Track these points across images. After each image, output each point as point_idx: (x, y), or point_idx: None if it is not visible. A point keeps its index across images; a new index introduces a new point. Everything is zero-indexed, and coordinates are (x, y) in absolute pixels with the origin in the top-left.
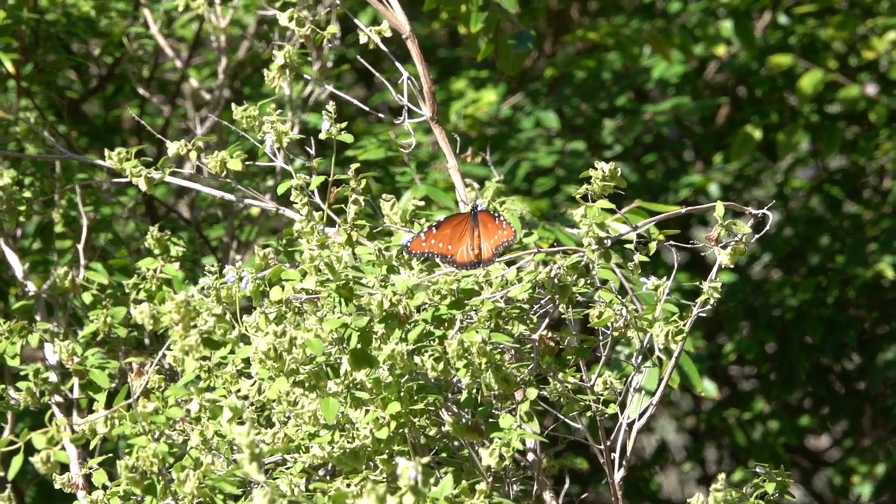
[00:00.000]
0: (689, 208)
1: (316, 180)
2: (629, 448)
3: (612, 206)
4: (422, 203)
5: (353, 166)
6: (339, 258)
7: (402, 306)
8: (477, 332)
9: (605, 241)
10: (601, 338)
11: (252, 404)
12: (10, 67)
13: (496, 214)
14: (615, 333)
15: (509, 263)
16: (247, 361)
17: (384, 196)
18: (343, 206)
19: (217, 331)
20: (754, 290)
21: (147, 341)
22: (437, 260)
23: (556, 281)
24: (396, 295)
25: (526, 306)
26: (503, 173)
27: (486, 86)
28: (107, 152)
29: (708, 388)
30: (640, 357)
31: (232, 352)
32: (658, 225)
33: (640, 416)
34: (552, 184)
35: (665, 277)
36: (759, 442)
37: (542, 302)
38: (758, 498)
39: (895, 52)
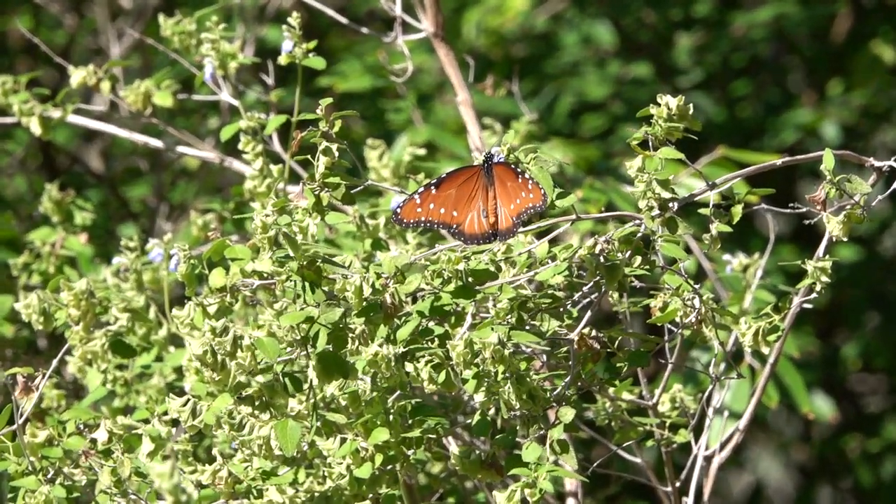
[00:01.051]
0: (792, 158)
1: (274, 121)
2: (707, 490)
3: (681, 155)
4: (422, 151)
5: (325, 101)
6: (304, 228)
7: (389, 294)
8: (493, 329)
9: (672, 205)
10: (667, 339)
11: (185, 431)
12: None
13: (518, 169)
14: (686, 333)
15: (540, 235)
16: (180, 371)
17: (370, 142)
18: (311, 156)
19: (136, 330)
20: (885, 271)
21: (43, 343)
22: (440, 230)
23: (603, 259)
24: (381, 278)
25: (561, 294)
26: (537, 109)
27: None
28: None
29: (820, 407)
30: (723, 365)
31: (159, 358)
32: (749, 181)
33: (723, 446)
34: (605, 124)
35: (758, 254)
36: (891, 482)
37: (585, 289)
38: None
39: None
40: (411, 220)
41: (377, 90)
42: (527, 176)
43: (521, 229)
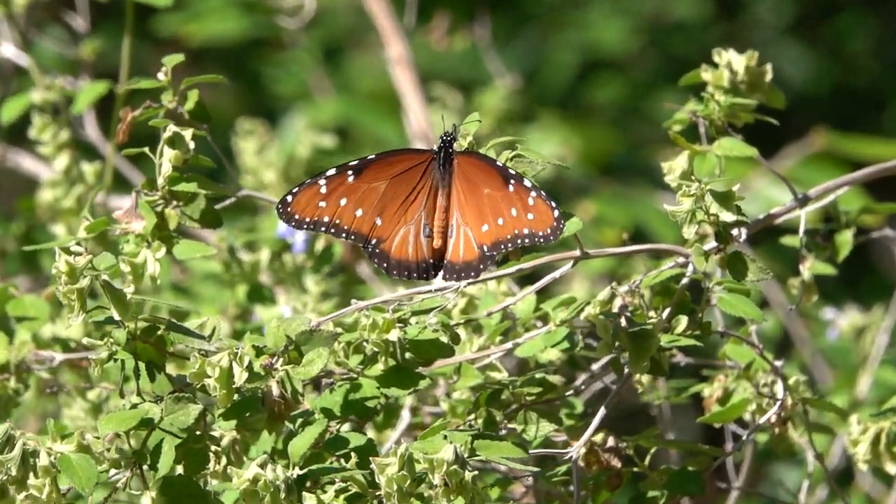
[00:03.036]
0: None
1: (88, 91)
2: None
3: (753, 151)
4: (329, 139)
5: (173, 58)
6: (138, 269)
7: (276, 381)
8: (446, 437)
9: (737, 232)
10: (731, 449)
11: None
12: None
13: (507, 169)
14: (762, 439)
15: (523, 281)
16: None
17: (244, 125)
18: (150, 150)
19: None
20: None
21: None
22: (349, 242)
23: (626, 322)
24: (264, 355)
25: (557, 379)
26: (517, 69)
27: None
28: None
29: None
30: (822, 491)
31: None
32: (866, 189)
33: None
34: (629, 93)
35: (881, 309)
36: None
37: (595, 369)
38: None
39: None
40: (306, 219)
41: (255, 41)
42: (526, 183)
43: (489, 272)
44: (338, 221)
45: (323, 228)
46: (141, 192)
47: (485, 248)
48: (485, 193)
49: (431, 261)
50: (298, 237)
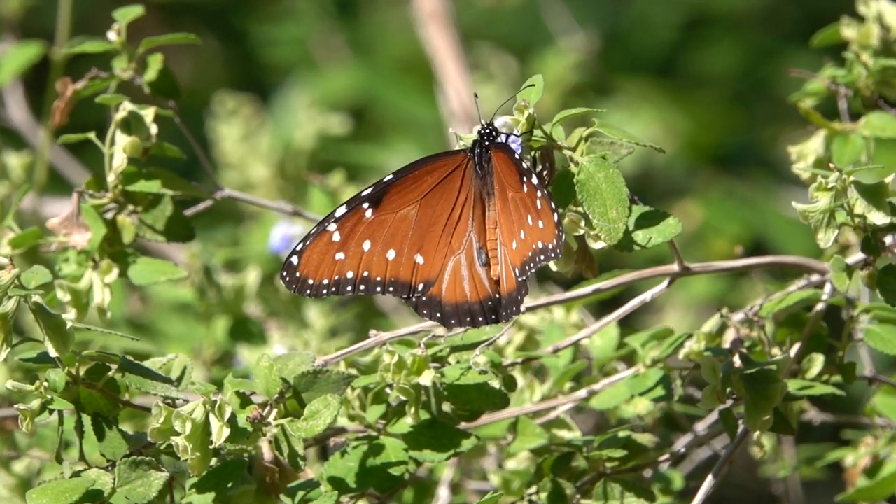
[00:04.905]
0: None
1: (14, 57)
2: None
3: None
4: (341, 122)
5: (127, 11)
6: (81, 296)
7: (268, 441)
8: None
9: (892, 240)
10: None
11: None
12: None
13: (520, 161)
14: None
15: (600, 310)
16: None
17: (225, 103)
18: (98, 136)
19: None
20: None
21: None
22: (384, 294)
23: (741, 362)
24: (252, 407)
25: (649, 440)
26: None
27: None
28: None
29: None
30: None
31: None
32: None
33: None
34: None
35: None
36: None
37: (699, 429)
38: None
39: None
40: (323, 281)
41: None
42: (534, 180)
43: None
44: (366, 274)
45: (349, 288)
46: (85, 194)
47: (516, 272)
48: (510, 198)
49: (497, 295)
50: None
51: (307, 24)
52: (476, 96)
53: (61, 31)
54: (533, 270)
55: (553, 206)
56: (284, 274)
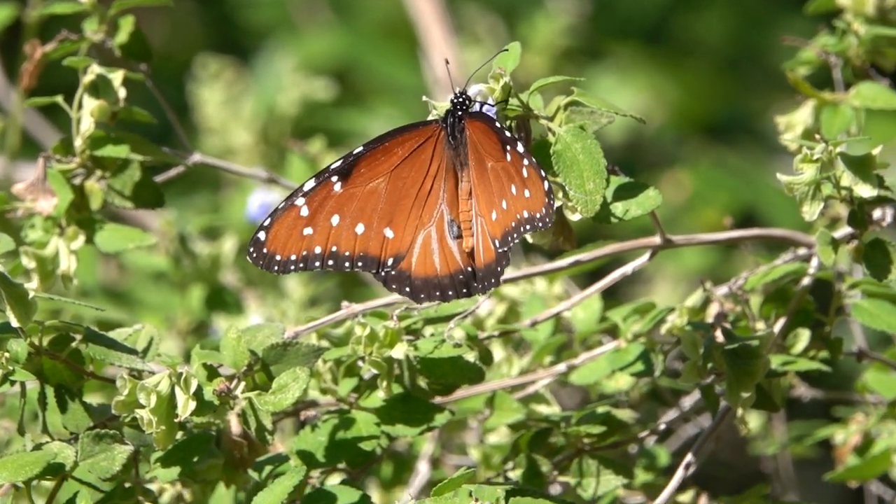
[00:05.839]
0: None
1: None
2: None
3: None
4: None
5: None
6: (46, 262)
7: (235, 414)
8: (471, 493)
9: (881, 213)
10: None
11: None
12: None
13: (502, 129)
14: None
15: (587, 282)
16: None
17: (208, 66)
18: (65, 99)
19: None
20: None
21: None
22: (354, 270)
23: (724, 337)
24: (219, 379)
25: (629, 415)
26: None
27: None
28: None
29: None
30: None
31: None
32: None
33: None
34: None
35: None
36: None
37: (683, 406)
38: None
39: None
40: (291, 257)
41: None
42: (519, 148)
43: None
44: (335, 248)
45: (318, 263)
46: (51, 159)
47: (496, 244)
48: (489, 168)
49: (469, 269)
50: None
51: None
52: (447, 62)
53: None
54: (516, 241)
55: (542, 173)
56: (251, 250)
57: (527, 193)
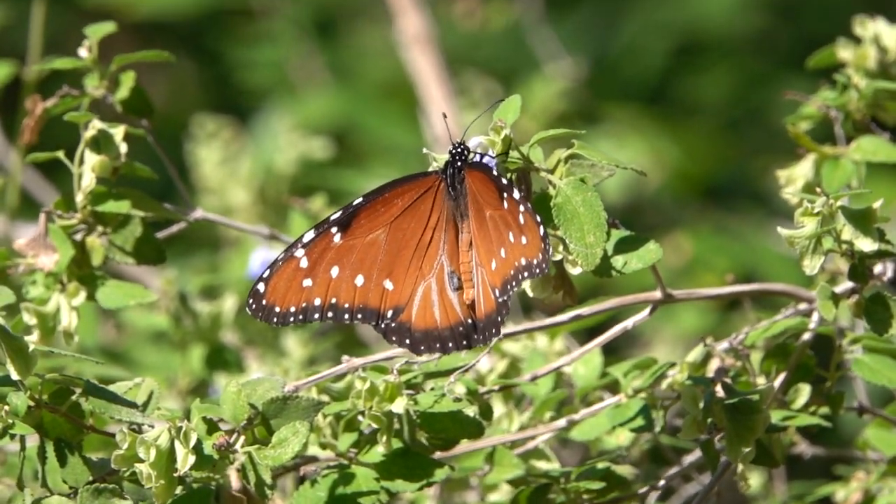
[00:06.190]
0: None
1: None
2: None
3: None
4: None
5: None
6: (47, 319)
7: (235, 469)
8: None
9: (881, 268)
10: None
11: None
12: None
13: (499, 177)
14: None
15: (587, 337)
16: None
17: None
18: (67, 155)
19: None
20: None
21: None
22: (354, 322)
23: (725, 392)
24: (219, 433)
25: (629, 472)
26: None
27: None
28: None
29: None
30: None
31: None
32: None
33: None
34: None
35: None
36: None
37: (684, 462)
38: None
39: None
40: (290, 308)
41: (217, 12)
42: (515, 194)
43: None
44: (334, 300)
45: (317, 315)
46: (53, 214)
47: (496, 293)
48: (488, 216)
49: (470, 320)
50: None
51: (285, 47)
52: (445, 116)
53: (33, 49)
54: (515, 289)
55: (538, 219)
56: (251, 302)
57: (524, 240)
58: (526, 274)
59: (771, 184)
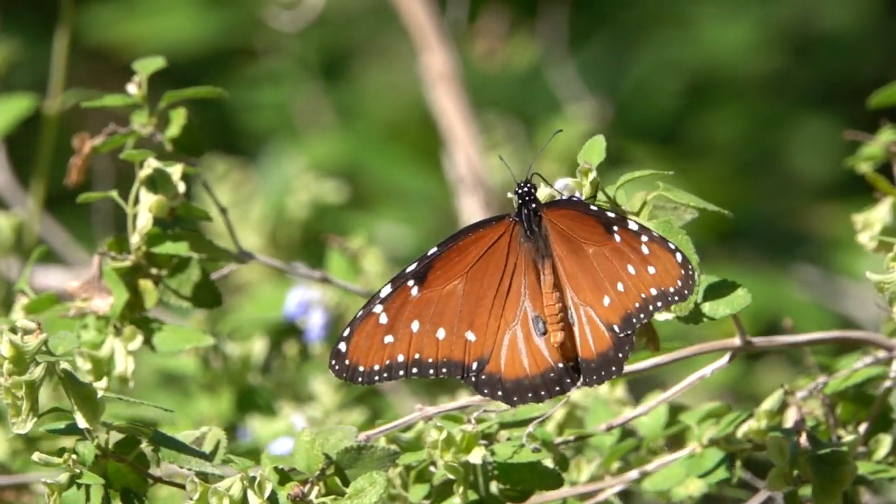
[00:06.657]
0: None
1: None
2: None
3: None
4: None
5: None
6: (101, 364)
7: None
8: None
9: None
10: None
11: None
12: None
13: (607, 214)
14: None
15: (638, 386)
16: None
17: (216, 167)
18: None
19: None
20: None
21: None
22: (438, 377)
23: (808, 443)
24: (292, 483)
25: None
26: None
27: None
28: None
29: None
30: None
31: None
32: None
33: None
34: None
35: None
36: None
37: None
38: None
39: None
40: (374, 367)
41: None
42: (631, 226)
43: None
44: (418, 356)
45: (402, 372)
46: (106, 256)
47: (616, 329)
48: (590, 253)
49: (561, 365)
50: (316, 316)
51: (288, 88)
52: (501, 158)
53: (54, 84)
54: (644, 321)
55: (671, 245)
56: (333, 363)
57: (651, 270)
58: (660, 304)
59: (785, 226)
